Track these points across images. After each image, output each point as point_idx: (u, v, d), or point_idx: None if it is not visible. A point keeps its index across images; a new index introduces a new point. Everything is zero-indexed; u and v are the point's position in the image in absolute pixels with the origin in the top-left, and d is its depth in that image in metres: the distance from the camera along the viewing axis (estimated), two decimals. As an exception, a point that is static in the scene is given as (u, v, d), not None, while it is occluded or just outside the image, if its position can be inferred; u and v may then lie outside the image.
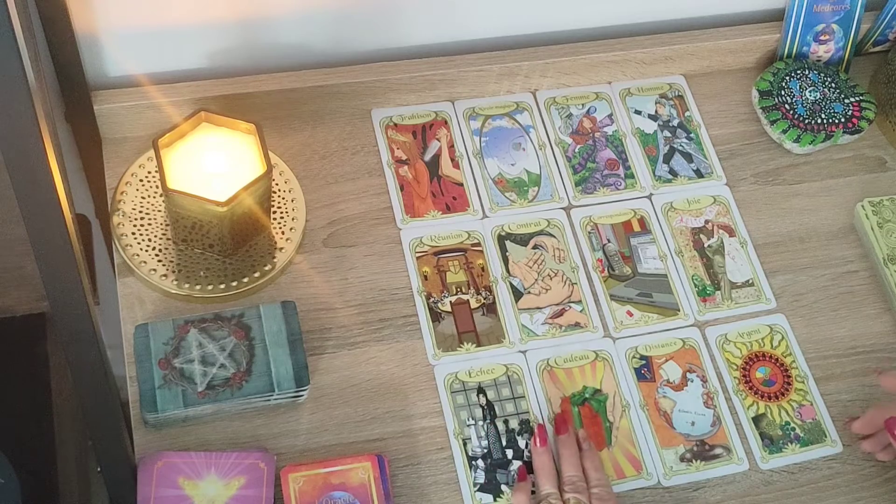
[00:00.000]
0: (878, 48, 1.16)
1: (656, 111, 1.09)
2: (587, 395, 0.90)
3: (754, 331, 0.96)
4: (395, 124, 1.04)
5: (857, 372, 0.95)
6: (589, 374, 0.92)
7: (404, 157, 1.02)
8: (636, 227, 1.01)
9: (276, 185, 0.97)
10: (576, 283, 0.96)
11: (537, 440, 0.86)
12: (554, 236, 0.99)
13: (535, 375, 0.91)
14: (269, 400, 0.85)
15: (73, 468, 1.11)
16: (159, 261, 0.91)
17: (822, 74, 1.10)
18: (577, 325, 0.94)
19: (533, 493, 0.84)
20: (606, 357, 0.92)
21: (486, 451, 0.87)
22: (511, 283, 0.95)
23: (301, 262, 0.94)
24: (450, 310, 0.94)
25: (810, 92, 1.08)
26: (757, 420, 0.91)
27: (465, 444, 0.87)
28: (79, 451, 1.14)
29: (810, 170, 1.07)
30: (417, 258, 0.96)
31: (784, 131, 1.06)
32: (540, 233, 0.99)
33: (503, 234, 0.98)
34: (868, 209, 1.03)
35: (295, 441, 0.85)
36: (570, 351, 0.92)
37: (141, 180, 0.96)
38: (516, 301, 0.95)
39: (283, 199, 0.96)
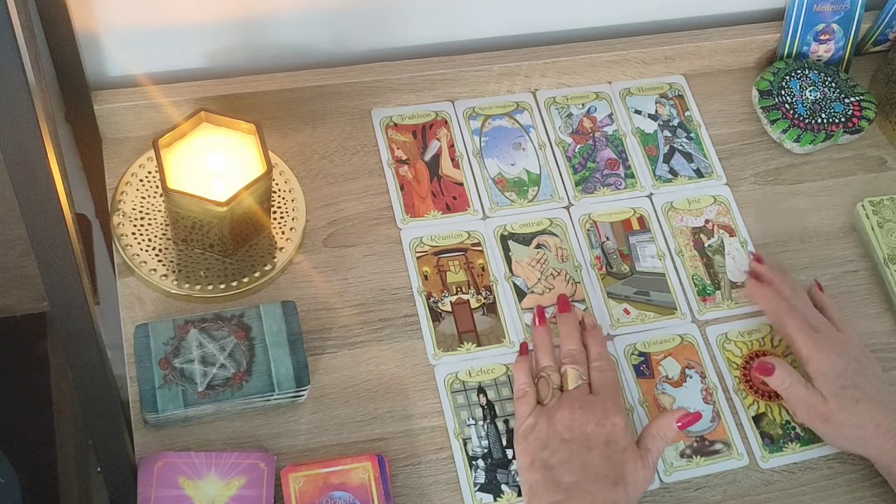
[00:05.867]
0: (878, 48, 1.16)
1: (656, 111, 1.09)
2: (588, 395, 0.90)
3: (755, 330, 0.96)
4: (395, 124, 1.04)
5: (857, 372, 0.95)
6: (589, 374, 0.92)
7: (404, 157, 1.02)
8: (635, 226, 1.01)
9: (276, 185, 0.97)
10: (579, 283, 0.96)
11: (536, 319, 0.89)
12: (556, 235, 0.99)
13: (535, 375, 0.91)
14: (269, 400, 0.85)
15: (73, 468, 1.11)
16: (159, 261, 0.91)
17: (823, 74, 1.10)
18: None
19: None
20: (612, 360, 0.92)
21: (486, 450, 0.87)
22: (514, 283, 0.95)
23: (301, 262, 0.94)
24: (450, 310, 0.94)
25: (810, 92, 1.08)
26: (757, 419, 0.91)
27: (465, 444, 0.87)
28: (79, 451, 1.14)
29: (810, 170, 1.07)
30: (417, 258, 0.96)
31: (784, 131, 1.06)
32: (542, 232, 0.99)
33: (506, 233, 0.98)
34: (868, 209, 1.03)
35: (295, 441, 0.85)
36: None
37: (141, 180, 0.96)
38: (520, 301, 0.95)
39: (283, 199, 0.96)
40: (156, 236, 0.93)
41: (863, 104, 1.08)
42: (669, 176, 1.04)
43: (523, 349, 0.89)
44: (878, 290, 1.00)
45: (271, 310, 0.87)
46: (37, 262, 0.59)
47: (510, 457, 0.87)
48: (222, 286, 0.91)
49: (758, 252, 0.99)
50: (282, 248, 0.94)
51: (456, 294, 0.94)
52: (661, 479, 0.87)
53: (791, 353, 0.95)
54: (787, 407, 0.91)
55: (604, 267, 0.98)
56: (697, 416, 0.84)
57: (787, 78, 1.09)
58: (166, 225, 0.93)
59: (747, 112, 1.10)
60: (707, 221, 1.02)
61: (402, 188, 1.00)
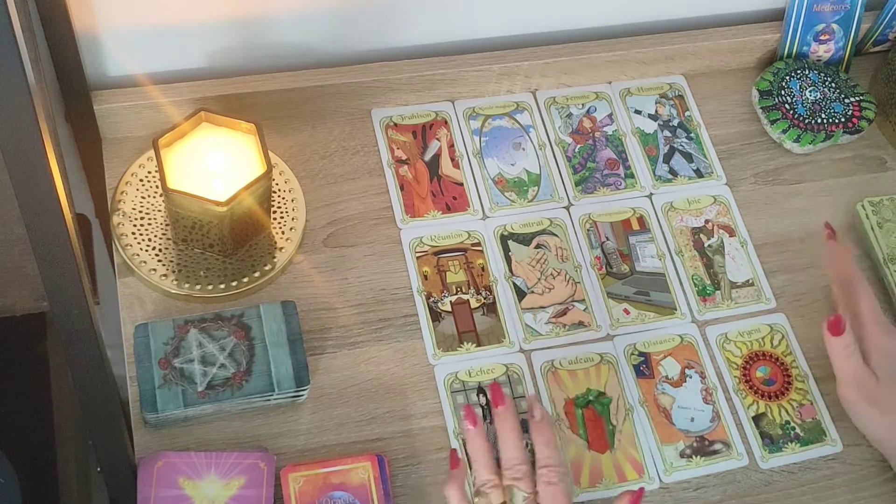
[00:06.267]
0: (878, 48, 1.16)
1: (656, 111, 1.09)
2: (591, 398, 0.90)
3: (754, 330, 0.96)
4: (395, 124, 1.04)
5: (857, 372, 0.95)
6: (593, 377, 0.92)
7: (404, 157, 1.02)
8: (635, 226, 1.01)
9: (276, 185, 0.97)
10: (579, 283, 0.96)
11: (468, 420, 0.78)
12: (556, 235, 0.99)
13: (539, 377, 0.91)
14: (269, 400, 0.85)
15: (73, 468, 1.11)
16: (159, 261, 0.91)
17: (822, 74, 1.10)
18: (580, 324, 0.94)
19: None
20: (611, 360, 0.92)
21: (486, 450, 0.87)
22: (514, 283, 0.95)
23: (301, 261, 0.94)
24: (450, 309, 0.94)
25: (810, 92, 1.08)
26: (757, 419, 0.91)
27: (465, 444, 0.87)
28: (79, 451, 1.14)
29: (810, 170, 1.07)
30: (417, 258, 0.96)
31: (784, 131, 1.06)
32: (542, 232, 0.99)
33: (506, 233, 0.98)
34: (868, 209, 1.03)
35: (295, 441, 0.85)
36: (575, 353, 0.92)
37: (141, 180, 0.96)
38: (520, 301, 0.95)
39: (283, 199, 0.96)
40: (156, 236, 0.93)
41: (863, 104, 1.08)
42: (669, 176, 1.04)
43: (454, 460, 0.78)
44: (877, 290, 1.00)
45: (271, 310, 0.87)
46: (37, 262, 0.59)
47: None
48: (222, 286, 0.91)
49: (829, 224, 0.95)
50: (282, 248, 0.94)
51: (456, 294, 0.94)
52: (661, 479, 0.87)
53: (790, 354, 0.95)
54: (836, 377, 0.87)
55: (604, 267, 0.98)
56: (641, 492, 0.77)
57: (787, 78, 1.09)
58: (166, 225, 0.93)
59: (747, 112, 1.10)
60: (707, 221, 1.02)
61: (402, 188, 1.00)
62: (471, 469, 0.79)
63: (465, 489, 0.77)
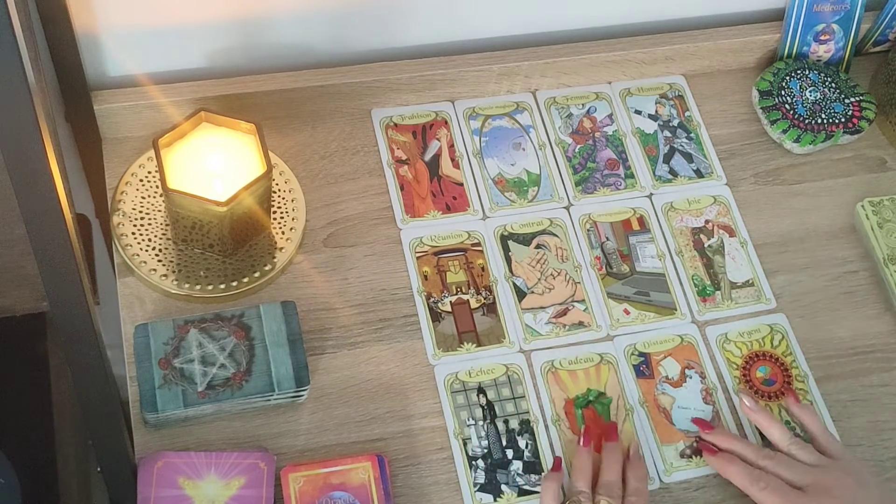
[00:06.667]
0: (878, 48, 1.16)
1: (656, 111, 1.09)
2: (591, 398, 0.90)
3: (754, 330, 0.96)
4: (395, 124, 1.04)
5: (856, 372, 0.95)
6: (594, 377, 0.92)
7: (404, 157, 1.02)
8: (635, 226, 1.01)
9: (276, 185, 0.97)
10: (579, 283, 0.96)
11: (581, 439, 0.86)
12: (556, 235, 0.99)
13: (539, 377, 0.91)
14: (269, 400, 0.85)
15: (73, 468, 1.11)
16: (159, 261, 0.91)
17: (823, 74, 1.10)
18: (580, 324, 0.94)
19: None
20: (611, 360, 0.92)
21: (486, 451, 0.87)
22: (514, 283, 0.95)
23: (301, 262, 0.94)
24: (450, 310, 0.94)
25: (810, 92, 1.08)
26: (757, 420, 0.91)
27: (465, 444, 0.87)
28: (79, 451, 1.14)
29: (810, 170, 1.07)
30: (417, 258, 0.96)
31: (784, 131, 1.06)
32: (542, 232, 0.99)
33: (506, 233, 0.98)
34: (868, 209, 1.03)
35: (295, 441, 0.85)
36: (575, 353, 0.92)
37: (141, 180, 0.96)
38: (520, 301, 0.95)
39: (283, 199, 0.96)
40: (156, 236, 0.93)
41: (863, 104, 1.08)
42: (669, 176, 1.04)
43: (557, 465, 0.86)
44: (878, 290, 1.00)
45: (271, 310, 0.87)
46: (37, 262, 0.59)
47: (510, 457, 0.87)
48: (222, 286, 0.91)
49: (700, 418, 0.90)
50: (282, 248, 0.94)
51: (456, 294, 0.94)
52: (661, 479, 0.87)
53: (790, 354, 0.95)
54: None
55: (604, 267, 0.98)
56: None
57: (787, 78, 1.09)
58: (166, 225, 0.93)
59: (747, 112, 1.10)
60: (707, 222, 1.02)
61: (402, 188, 1.00)
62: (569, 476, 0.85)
63: (559, 489, 0.84)
